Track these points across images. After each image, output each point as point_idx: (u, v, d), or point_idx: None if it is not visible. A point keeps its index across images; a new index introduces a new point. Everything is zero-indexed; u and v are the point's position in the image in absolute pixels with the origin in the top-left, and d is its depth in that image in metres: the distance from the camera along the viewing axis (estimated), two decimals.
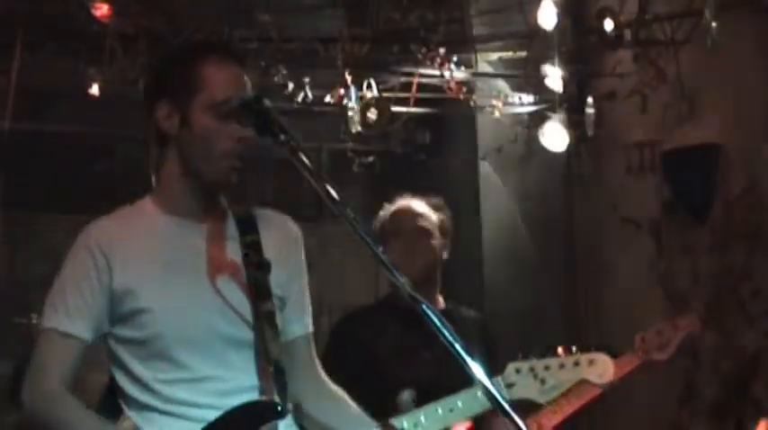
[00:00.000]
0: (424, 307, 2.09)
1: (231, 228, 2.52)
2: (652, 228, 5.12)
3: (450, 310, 3.65)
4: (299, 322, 2.60)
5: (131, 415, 2.44)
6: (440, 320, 2.07)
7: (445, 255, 3.73)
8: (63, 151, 5.35)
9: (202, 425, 2.39)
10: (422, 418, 2.71)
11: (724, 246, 4.70)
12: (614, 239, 5.39)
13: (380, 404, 2.71)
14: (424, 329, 3.54)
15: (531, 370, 2.98)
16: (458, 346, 2.05)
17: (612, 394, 3.23)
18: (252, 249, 2.49)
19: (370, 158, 5.39)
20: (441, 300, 3.72)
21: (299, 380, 2.55)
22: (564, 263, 5.63)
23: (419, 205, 3.73)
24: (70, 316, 2.41)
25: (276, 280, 2.50)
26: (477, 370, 2.05)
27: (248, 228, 2.52)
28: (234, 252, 2.49)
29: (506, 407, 2.02)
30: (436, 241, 3.69)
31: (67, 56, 4.67)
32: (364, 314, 3.51)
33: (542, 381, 2.94)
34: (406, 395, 3.15)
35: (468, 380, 3.51)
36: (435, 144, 5.56)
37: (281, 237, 2.58)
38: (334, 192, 2.14)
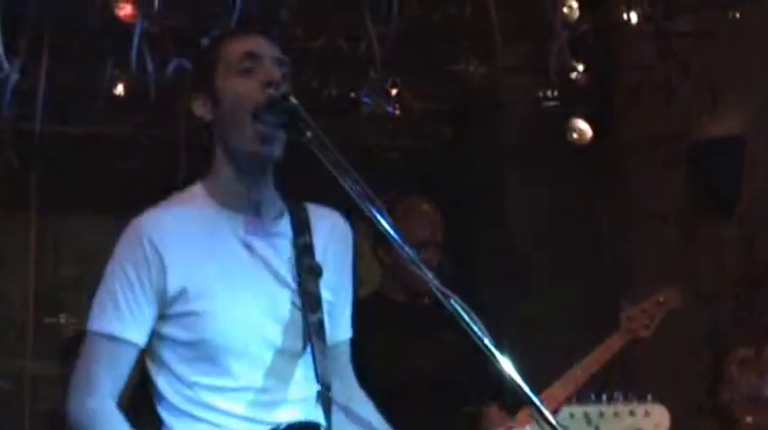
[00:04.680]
0: (453, 302, 2.09)
1: (283, 225, 2.44)
2: (678, 222, 5.11)
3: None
4: (342, 327, 2.55)
5: (164, 416, 2.35)
6: (468, 316, 2.07)
7: None
8: (91, 152, 5.39)
9: None
10: None
11: (750, 238, 4.69)
12: (640, 234, 5.38)
13: (373, 398, 2.70)
14: (416, 322, 3.58)
15: (586, 415, 2.94)
16: (487, 341, 2.05)
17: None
18: (304, 252, 2.41)
19: (396, 154, 5.40)
20: None
21: (334, 385, 2.46)
22: (590, 257, 5.62)
23: (433, 209, 3.73)
24: (123, 318, 2.29)
25: (326, 283, 2.43)
26: (506, 365, 2.05)
27: (301, 229, 2.44)
28: (286, 252, 2.41)
29: (537, 401, 2.03)
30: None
31: (94, 57, 4.70)
32: (358, 310, 3.53)
33: (596, 428, 2.92)
34: None
35: (467, 372, 3.53)
36: (459, 140, 5.57)
37: (334, 238, 2.51)
38: (363, 188, 2.15)
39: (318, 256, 2.43)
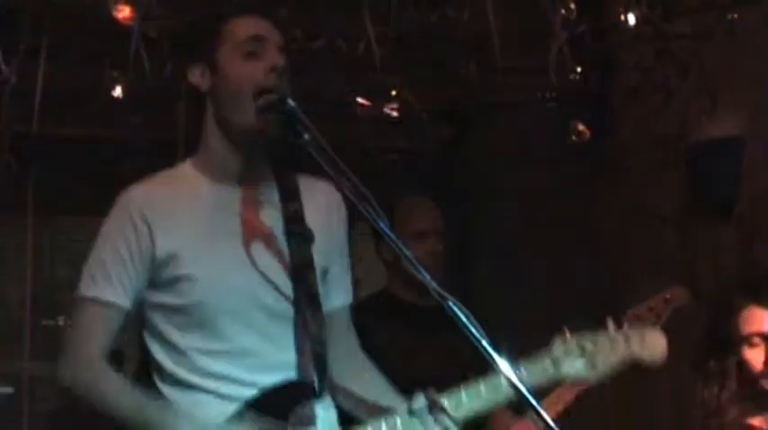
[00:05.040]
0: (451, 304, 2.09)
1: (273, 194, 2.49)
2: (676, 223, 5.10)
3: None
4: (339, 293, 2.60)
5: (163, 387, 2.43)
6: (466, 317, 2.07)
7: None
8: (89, 154, 5.38)
9: (237, 402, 2.37)
10: (463, 397, 2.61)
11: (749, 241, 4.68)
12: (639, 234, 5.37)
13: None
14: (419, 324, 3.57)
15: (579, 345, 2.81)
16: (484, 343, 2.06)
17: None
18: (294, 218, 2.46)
19: (395, 156, 5.40)
20: None
21: (336, 352, 2.52)
22: (589, 258, 5.61)
23: (431, 202, 3.73)
24: (111, 284, 2.39)
25: (318, 249, 2.47)
26: (504, 366, 2.05)
27: (291, 196, 2.49)
28: (272, 219, 2.46)
29: (533, 402, 2.03)
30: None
31: (92, 59, 4.70)
32: (357, 308, 3.54)
33: (591, 358, 2.80)
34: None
35: (472, 374, 3.52)
36: (457, 141, 5.56)
37: (325, 205, 2.55)
38: (361, 189, 2.17)
39: (309, 223, 2.47)
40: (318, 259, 2.47)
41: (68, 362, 2.42)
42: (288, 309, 2.43)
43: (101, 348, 2.40)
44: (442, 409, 2.41)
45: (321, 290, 2.48)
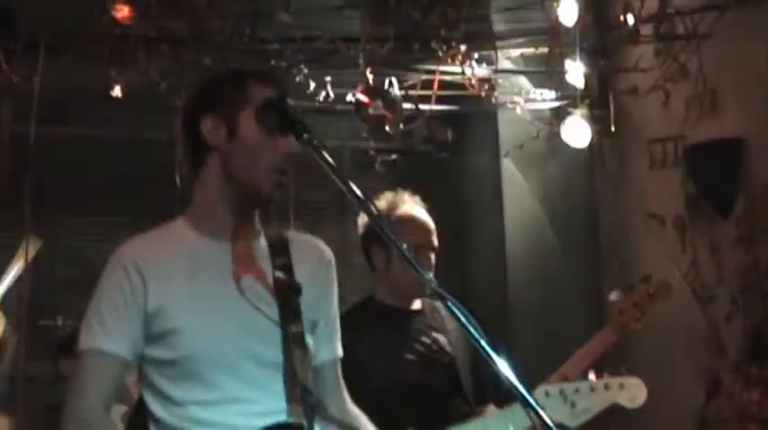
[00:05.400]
0: (449, 304, 2.08)
1: (263, 249, 2.52)
2: (676, 224, 5.10)
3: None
4: (327, 346, 2.61)
5: None
6: (466, 318, 2.07)
7: None
8: (88, 154, 5.38)
9: None
10: None
11: (749, 240, 4.68)
12: (639, 235, 5.37)
13: (363, 406, 2.71)
14: (406, 330, 3.57)
15: (561, 393, 2.95)
16: (484, 344, 2.05)
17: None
18: (283, 271, 2.48)
19: (393, 157, 5.39)
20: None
21: (324, 405, 2.56)
22: (589, 259, 5.62)
23: (426, 215, 3.71)
24: (108, 334, 2.39)
25: (307, 303, 2.49)
26: (504, 368, 2.04)
27: (280, 251, 2.52)
28: (265, 272, 2.48)
29: (533, 402, 2.02)
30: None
31: (90, 59, 4.69)
32: (344, 316, 3.54)
33: (572, 405, 2.92)
34: None
35: (456, 377, 3.51)
36: (457, 142, 5.56)
37: (313, 261, 2.58)
38: (357, 191, 2.16)
39: (298, 277, 2.49)
40: (306, 312, 2.49)
41: (67, 416, 2.39)
42: (277, 356, 2.44)
43: (101, 398, 2.39)
44: None
45: (309, 341, 2.49)
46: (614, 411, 3.08)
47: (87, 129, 5.34)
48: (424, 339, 3.57)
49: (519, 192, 5.65)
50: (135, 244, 2.49)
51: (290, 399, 2.43)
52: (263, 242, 2.53)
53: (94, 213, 5.42)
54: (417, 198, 3.71)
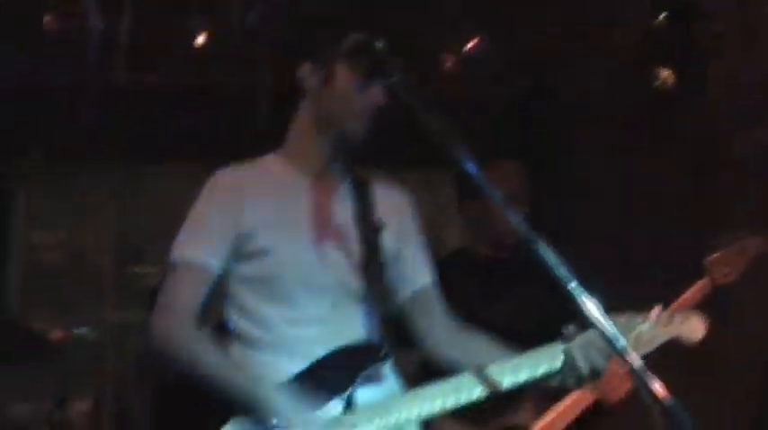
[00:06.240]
0: (539, 247, 2.10)
1: (347, 188, 2.64)
2: (761, 172, 5.00)
3: None
4: (418, 274, 2.71)
5: (241, 353, 2.54)
6: (555, 261, 2.07)
7: None
8: (170, 103, 5.44)
9: (309, 361, 2.49)
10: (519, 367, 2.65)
11: None
12: (725, 184, 5.25)
13: None
14: (500, 278, 3.57)
15: (626, 324, 2.96)
16: (572, 285, 2.05)
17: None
18: (365, 209, 2.61)
19: (473, 108, 5.36)
20: None
21: (429, 327, 2.70)
22: (674, 206, 5.53)
23: (520, 169, 3.71)
24: (200, 248, 2.52)
25: (389, 238, 2.62)
26: (594, 310, 2.05)
27: (363, 190, 2.65)
28: (345, 212, 2.61)
29: (620, 348, 2.03)
30: None
31: (177, 8, 4.73)
32: (445, 263, 3.55)
33: (636, 336, 2.93)
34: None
35: (546, 331, 3.50)
36: (535, 94, 5.51)
37: (395, 200, 2.71)
38: (448, 132, 2.19)
39: (380, 215, 2.62)
40: (389, 246, 2.61)
41: (158, 327, 2.50)
42: (358, 286, 2.56)
43: (191, 309, 2.49)
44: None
45: (395, 274, 2.63)
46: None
47: (171, 78, 5.39)
48: (517, 288, 3.58)
49: (600, 141, 5.59)
50: (232, 169, 2.62)
51: (370, 327, 2.55)
52: (347, 182, 2.65)
53: (179, 161, 5.48)
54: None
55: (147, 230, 5.47)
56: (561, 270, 2.06)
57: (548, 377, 2.57)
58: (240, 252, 2.53)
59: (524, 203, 3.68)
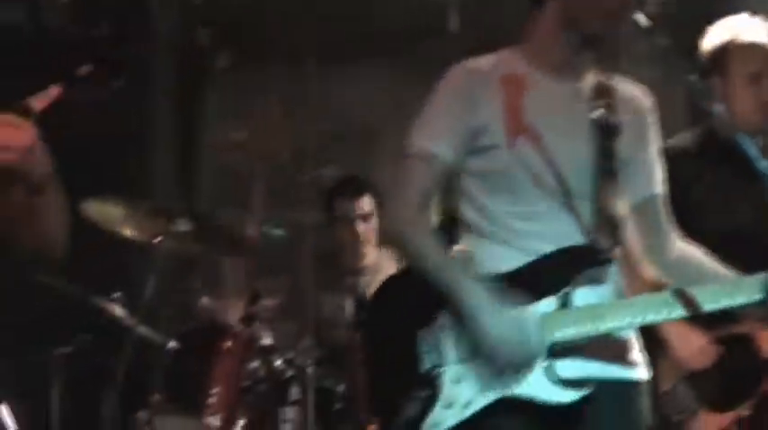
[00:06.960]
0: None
1: (588, 88, 2.67)
2: None
3: None
4: (647, 184, 2.74)
5: (471, 244, 2.65)
6: None
7: None
8: (347, 5, 5.44)
9: (534, 256, 2.56)
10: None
11: None
12: None
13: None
14: (742, 171, 3.41)
15: None
16: None
17: None
18: (604, 111, 2.63)
19: None
20: None
21: (653, 240, 2.75)
22: None
23: None
24: (438, 137, 2.61)
25: (624, 142, 2.64)
26: None
27: (604, 92, 2.67)
28: (584, 110, 2.64)
29: None
30: None
31: None
32: (682, 154, 3.42)
33: None
34: None
35: None
36: None
37: (635, 104, 2.74)
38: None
39: (618, 118, 2.64)
40: (623, 151, 2.64)
41: (389, 215, 2.68)
42: (587, 187, 2.59)
43: (424, 196, 2.60)
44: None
45: (625, 179, 2.65)
46: None
47: None
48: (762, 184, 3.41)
49: None
50: (469, 65, 2.69)
51: (595, 229, 2.57)
52: (589, 81, 2.68)
53: (356, 65, 5.50)
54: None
55: (332, 134, 5.53)
56: None
57: (753, 306, 2.54)
58: (473, 146, 2.59)
59: None
